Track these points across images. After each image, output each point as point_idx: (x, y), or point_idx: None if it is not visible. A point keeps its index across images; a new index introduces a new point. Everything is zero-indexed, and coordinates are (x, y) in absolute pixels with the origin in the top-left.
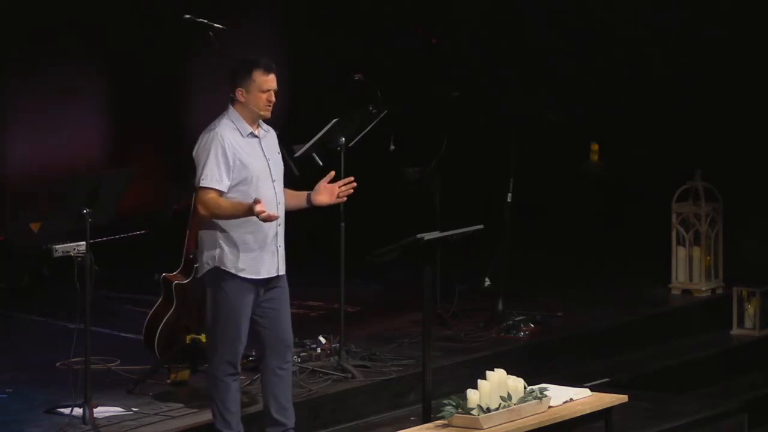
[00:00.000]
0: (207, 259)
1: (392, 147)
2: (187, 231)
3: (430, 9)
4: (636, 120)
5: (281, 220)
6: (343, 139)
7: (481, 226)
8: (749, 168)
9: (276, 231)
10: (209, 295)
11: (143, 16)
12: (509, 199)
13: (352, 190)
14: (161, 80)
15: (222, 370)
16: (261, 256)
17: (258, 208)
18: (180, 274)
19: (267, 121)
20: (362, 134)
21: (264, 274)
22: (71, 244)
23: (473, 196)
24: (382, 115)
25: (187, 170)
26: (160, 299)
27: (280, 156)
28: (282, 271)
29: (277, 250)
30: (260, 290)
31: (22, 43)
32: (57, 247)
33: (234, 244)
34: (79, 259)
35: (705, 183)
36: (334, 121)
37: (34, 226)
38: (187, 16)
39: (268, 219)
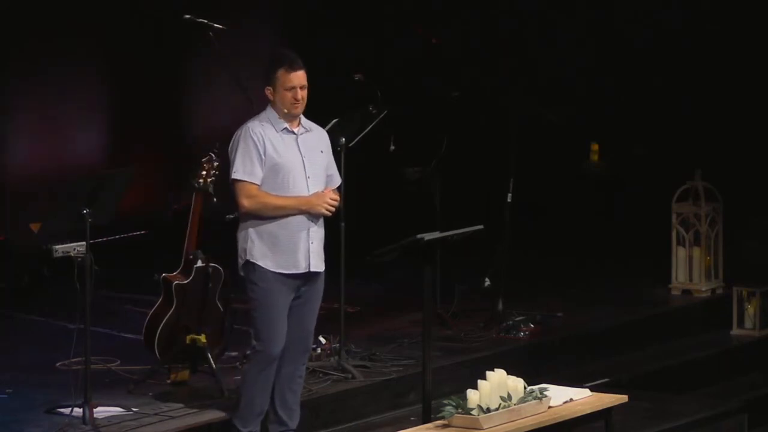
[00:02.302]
0: (240, 253)
1: (392, 147)
2: (187, 231)
3: (430, 9)
4: (636, 120)
5: (317, 218)
6: (343, 139)
7: (481, 226)
8: (749, 168)
9: (308, 227)
10: (246, 289)
11: (143, 16)
12: (509, 199)
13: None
14: (161, 80)
15: (255, 366)
16: (292, 251)
17: (317, 195)
18: (180, 274)
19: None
20: (362, 134)
21: (293, 269)
22: (71, 244)
23: (473, 196)
24: (382, 115)
25: (187, 170)
26: (160, 299)
27: (324, 155)
28: (315, 268)
29: (309, 247)
30: (295, 286)
31: (22, 43)
32: (57, 247)
33: (265, 238)
34: (79, 259)
35: (705, 183)
36: (334, 121)
37: (34, 226)
38: (187, 16)
39: (328, 212)
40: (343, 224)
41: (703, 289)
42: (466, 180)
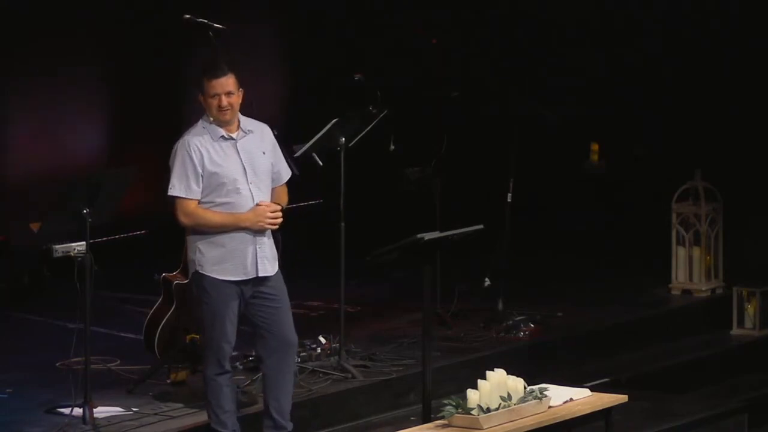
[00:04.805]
0: (189, 264)
1: (392, 147)
2: None
3: (429, 9)
4: (636, 120)
5: None
6: (343, 139)
7: (481, 226)
8: (749, 168)
9: (255, 234)
10: (195, 297)
11: (143, 16)
12: (509, 199)
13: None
14: (161, 80)
15: (211, 369)
16: (239, 257)
17: (255, 212)
18: (180, 274)
19: (264, 120)
20: (362, 134)
21: (242, 276)
22: (71, 244)
23: (473, 196)
24: (382, 115)
25: None
26: (160, 299)
27: (267, 155)
28: (265, 273)
29: (257, 251)
30: (244, 291)
31: (23, 43)
32: (57, 247)
33: (211, 247)
34: (79, 259)
35: (705, 183)
36: (334, 121)
37: (34, 226)
38: (187, 16)
39: (272, 225)
40: (343, 224)
41: (703, 289)
42: (466, 180)
